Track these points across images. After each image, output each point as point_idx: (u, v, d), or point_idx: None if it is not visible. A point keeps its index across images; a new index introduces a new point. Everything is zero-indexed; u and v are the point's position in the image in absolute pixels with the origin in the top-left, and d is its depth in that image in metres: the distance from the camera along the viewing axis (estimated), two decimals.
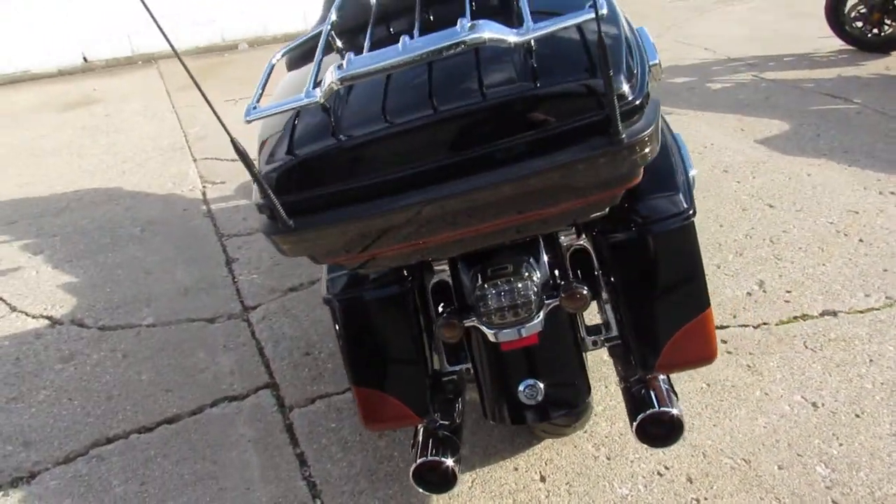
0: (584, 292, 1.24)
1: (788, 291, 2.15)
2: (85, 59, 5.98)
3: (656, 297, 1.29)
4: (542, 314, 1.25)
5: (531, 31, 0.88)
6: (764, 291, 2.17)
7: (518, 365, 1.30)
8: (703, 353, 1.31)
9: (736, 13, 5.78)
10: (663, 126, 1.44)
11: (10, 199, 3.56)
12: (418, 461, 1.32)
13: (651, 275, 1.28)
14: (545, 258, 1.32)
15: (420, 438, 1.41)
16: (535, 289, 1.23)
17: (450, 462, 1.32)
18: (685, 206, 1.26)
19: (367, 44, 1.10)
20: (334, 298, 1.35)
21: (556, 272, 1.33)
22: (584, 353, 1.39)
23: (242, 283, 2.55)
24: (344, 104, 1.04)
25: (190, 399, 1.99)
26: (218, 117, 0.87)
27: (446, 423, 1.44)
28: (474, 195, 0.93)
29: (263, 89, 1.07)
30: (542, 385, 1.29)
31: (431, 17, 1.07)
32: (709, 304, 1.29)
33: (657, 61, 1.06)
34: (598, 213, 1.16)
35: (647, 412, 1.29)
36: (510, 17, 1.00)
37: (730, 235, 2.49)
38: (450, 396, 1.45)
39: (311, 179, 0.98)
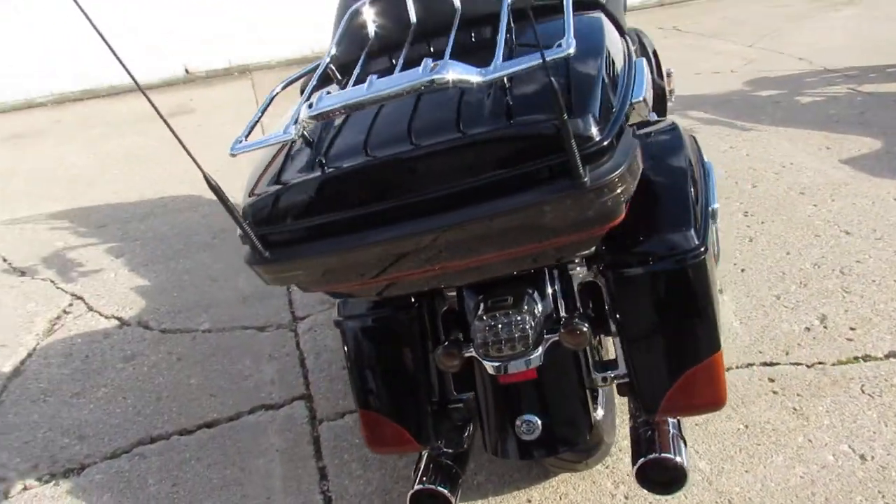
0: (584, 329, 1.20)
1: (853, 329, 1.99)
2: (186, 70, 6.37)
3: (662, 337, 1.23)
4: (541, 349, 1.22)
5: (496, 72, 0.86)
6: (825, 327, 2.01)
7: (516, 399, 1.28)
8: (710, 399, 1.24)
9: (839, 20, 5.42)
10: (689, 155, 1.38)
11: (105, 203, 3.84)
12: (415, 488, 1.33)
13: (657, 314, 1.22)
14: (551, 290, 1.29)
15: (422, 464, 1.41)
16: (534, 323, 1.20)
17: (446, 491, 1.31)
18: (696, 242, 1.20)
19: (352, 79, 1.11)
20: (343, 321, 1.37)
21: (563, 305, 1.29)
22: (592, 389, 1.34)
23: (295, 293, 2.63)
24: (325, 138, 1.06)
25: (230, 405, 2.07)
26: (188, 152, 0.90)
27: (450, 450, 1.44)
28: (438, 234, 0.92)
29: (257, 121, 1.10)
30: (539, 421, 1.25)
31: (419, 53, 1.07)
32: (719, 348, 1.21)
33: (641, 98, 1.01)
34: (584, 251, 1.12)
35: (649, 457, 1.23)
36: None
37: (796, 264, 2.33)
38: (458, 424, 1.44)
39: (286, 213, 1.00)
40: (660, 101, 2.45)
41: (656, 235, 1.24)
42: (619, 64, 1.06)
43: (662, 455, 1.21)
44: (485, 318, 1.20)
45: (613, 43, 1.10)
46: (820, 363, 1.88)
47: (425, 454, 1.43)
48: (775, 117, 3.66)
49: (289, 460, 1.83)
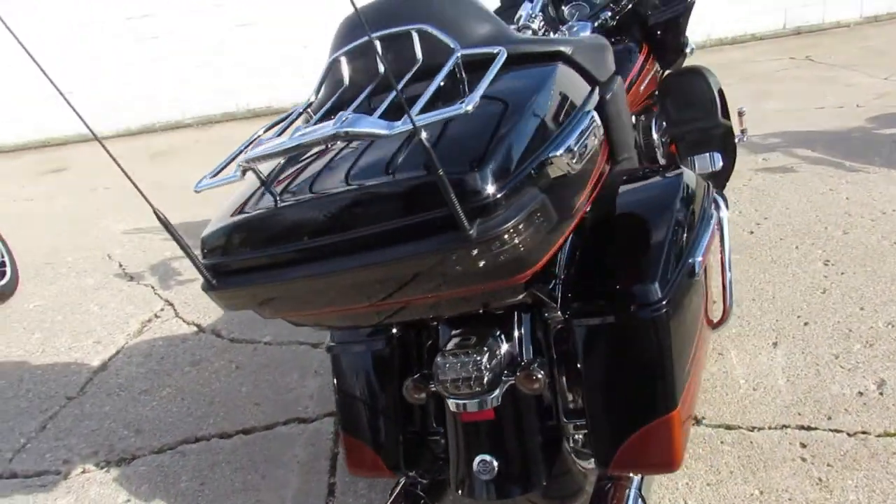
0: (539, 376, 1.20)
1: None
2: None
3: (617, 391, 1.20)
4: (498, 390, 1.23)
5: (401, 127, 0.91)
6: (881, 394, 1.82)
7: (475, 437, 1.28)
8: (662, 459, 1.18)
9: None
10: (678, 206, 1.34)
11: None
12: None
13: (613, 366, 1.20)
14: (518, 333, 1.30)
15: (394, 492, 1.45)
16: (491, 364, 1.21)
17: None
18: (657, 296, 1.16)
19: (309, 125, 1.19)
20: (332, 347, 1.46)
21: (528, 349, 1.29)
22: (566, 435, 1.33)
23: None
24: (274, 178, 1.14)
25: (269, 414, 2.21)
26: (140, 190, 1.02)
27: (424, 480, 1.46)
28: (344, 275, 0.98)
29: (231, 160, 1.21)
30: (495, 462, 1.26)
31: (376, 103, 1.13)
32: (675, 407, 1.17)
33: (559, 153, 1.00)
34: (511, 299, 1.12)
35: None
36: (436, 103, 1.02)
37: (867, 321, 2.13)
38: (437, 455, 1.46)
39: (232, 245, 1.09)
40: (719, 142, 2.35)
41: (620, 285, 1.22)
42: (549, 117, 1.06)
43: None
44: (447, 355, 1.23)
45: (551, 97, 1.09)
46: (863, 433, 1.71)
47: (402, 482, 1.46)
48: (891, 159, 3.35)
49: (306, 473, 1.93)
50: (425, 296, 1.02)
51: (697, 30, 7.21)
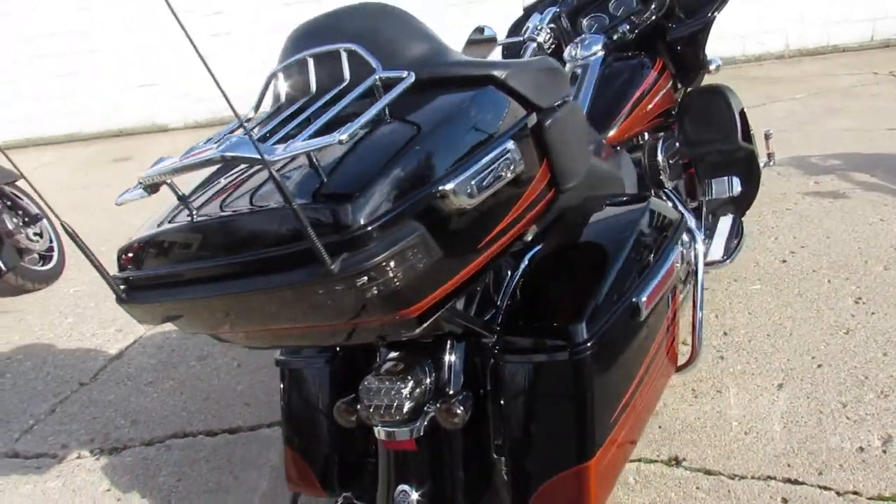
0: (459, 410, 1.16)
1: None
2: None
3: (533, 434, 1.14)
4: (419, 421, 1.19)
5: (280, 154, 0.88)
6: (884, 451, 1.67)
7: (396, 466, 1.25)
8: None
9: None
10: (629, 243, 1.27)
11: None
12: None
13: (532, 408, 1.14)
14: (450, 361, 1.25)
15: None
16: (413, 394, 1.18)
17: None
18: (583, 338, 1.10)
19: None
20: (279, 361, 1.46)
21: (456, 381, 1.25)
22: (489, 471, 1.27)
23: None
24: (192, 196, 1.13)
25: (256, 416, 2.23)
26: (47, 205, 1.04)
27: (360, 503, 1.44)
28: (217, 300, 0.96)
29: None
30: (414, 494, 1.22)
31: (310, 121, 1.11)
32: (590, 458, 1.09)
33: (448, 187, 0.94)
34: (409, 333, 1.06)
35: None
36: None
37: (887, 369, 1.95)
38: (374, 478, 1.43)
39: (140, 260, 1.10)
40: (741, 166, 2.22)
41: (549, 323, 1.16)
42: (449, 145, 1.00)
43: None
44: (373, 380, 1.20)
45: (457, 124, 1.03)
46: (854, 492, 1.56)
47: (338, 502, 1.44)
48: None
49: (276, 478, 1.93)
50: (311, 325, 1.00)
51: (774, 40, 6.86)
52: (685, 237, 1.53)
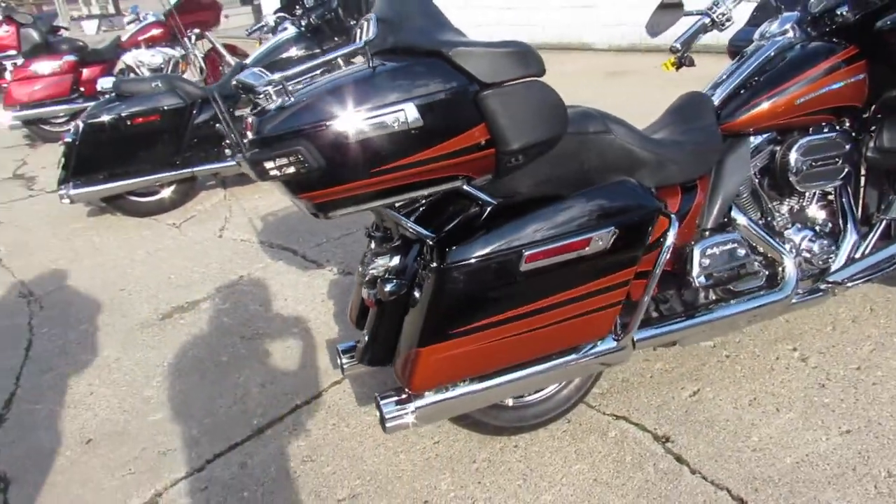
0: (386, 289, 1.64)
1: None
2: None
3: (414, 314, 1.64)
4: (376, 290, 1.74)
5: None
6: None
7: (367, 316, 1.86)
8: (406, 380, 1.62)
9: None
10: (543, 207, 1.58)
11: None
12: None
13: (421, 296, 1.61)
14: (406, 259, 1.74)
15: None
16: (376, 271, 1.75)
17: None
18: (453, 259, 1.54)
19: None
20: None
21: (409, 268, 1.72)
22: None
23: None
24: None
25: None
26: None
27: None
28: None
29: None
30: (367, 338, 1.82)
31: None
32: (424, 346, 1.57)
33: (334, 123, 1.38)
34: (320, 216, 1.52)
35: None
36: None
37: None
38: None
39: None
40: None
41: (450, 244, 1.57)
42: (365, 95, 1.40)
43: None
44: (367, 258, 1.82)
45: (381, 81, 1.42)
46: None
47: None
48: None
49: None
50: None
51: None
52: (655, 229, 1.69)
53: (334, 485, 1.93)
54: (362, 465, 1.99)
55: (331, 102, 1.42)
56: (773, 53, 2.08)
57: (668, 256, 1.77)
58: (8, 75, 6.40)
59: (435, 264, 1.56)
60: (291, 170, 1.41)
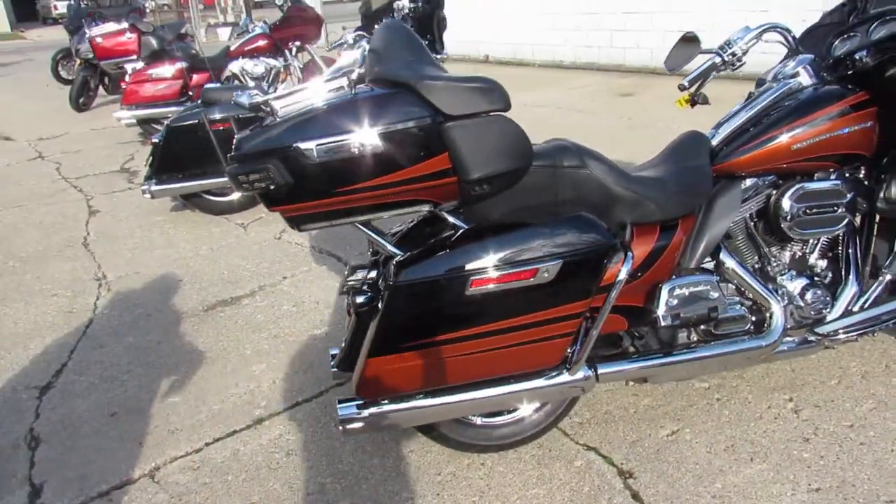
0: (357, 300, 1.80)
1: None
2: None
3: (372, 327, 1.75)
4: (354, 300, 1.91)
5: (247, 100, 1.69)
6: None
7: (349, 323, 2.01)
8: (355, 383, 1.73)
9: None
10: (501, 235, 1.67)
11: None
12: None
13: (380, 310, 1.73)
14: (375, 273, 1.90)
15: None
16: (354, 284, 1.90)
17: None
18: (403, 279, 1.65)
19: None
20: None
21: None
22: None
23: None
24: None
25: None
26: None
27: None
28: None
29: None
30: (344, 345, 1.97)
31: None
32: (373, 356, 1.69)
33: (300, 145, 1.53)
34: (294, 228, 1.71)
35: None
36: None
37: None
38: None
39: None
40: None
41: (406, 265, 1.69)
42: (329, 121, 1.53)
43: None
44: (348, 271, 1.97)
45: (345, 108, 1.54)
46: None
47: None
48: None
49: None
50: None
51: None
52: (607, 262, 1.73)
53: (308, 479, 2.07)
54: (338, 464, 2.12)
55: (301, 126, 1.57)
56: (778, 96, 2.05)
57: (617, 293, 1.79)
58: (128, 77, 7.08)
59: (389, 281, 1.67)
60: (262, 185, 1.57)
